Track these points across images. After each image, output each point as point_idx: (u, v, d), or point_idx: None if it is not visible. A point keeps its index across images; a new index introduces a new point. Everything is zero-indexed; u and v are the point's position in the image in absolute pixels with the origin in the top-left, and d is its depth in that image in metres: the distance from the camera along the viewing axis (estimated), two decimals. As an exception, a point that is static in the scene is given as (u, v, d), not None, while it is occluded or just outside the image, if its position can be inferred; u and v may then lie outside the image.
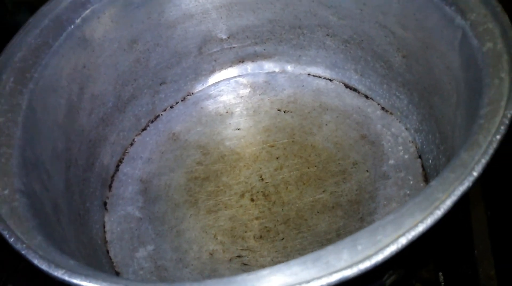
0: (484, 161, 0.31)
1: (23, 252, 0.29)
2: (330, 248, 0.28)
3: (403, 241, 0.27)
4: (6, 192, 0.35)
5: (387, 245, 0.27)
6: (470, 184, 0.29)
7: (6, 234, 0.30)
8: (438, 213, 0.28)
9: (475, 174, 0.30)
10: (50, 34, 0.47)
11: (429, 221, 0.28)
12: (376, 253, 0.27)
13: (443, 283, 0.53)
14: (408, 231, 0.28)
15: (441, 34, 0.44)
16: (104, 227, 0.53)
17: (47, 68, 0.46)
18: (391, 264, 0.38)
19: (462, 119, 0.41)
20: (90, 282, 0.27)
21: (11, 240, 0.30)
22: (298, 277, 0.27)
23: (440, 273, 0.53)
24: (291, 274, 0.27)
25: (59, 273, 0.28)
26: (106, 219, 0.54)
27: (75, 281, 0.27)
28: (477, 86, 0.38)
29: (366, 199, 0.52)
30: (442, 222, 0.30)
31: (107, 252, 0.51)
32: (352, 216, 0.51)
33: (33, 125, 0.42)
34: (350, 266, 0.27)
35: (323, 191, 0.53)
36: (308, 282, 0.26)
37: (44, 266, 0.28)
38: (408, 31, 0.50)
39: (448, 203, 0.29)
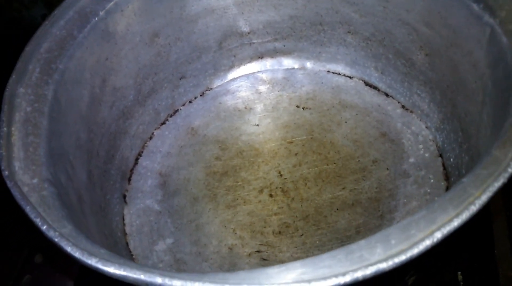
0: (518, 158, 0.30)
1: (56, 240, 0.29)
2: (362, 242, 0.28)
3: (438, 235, 0.27)
4: (35, 180, 0.35)
5: (422, 240, 0.27)
6: (505, 180, 0.29)
7: (38, 222, 0.30)
8: (473, 208, 0.28)
9: (510, 170, 0.30)
10: (75, 26, 0.47)
11: (464, 216, 0.28)
12: (411, 247, 0.27)
13: (462, 283, 0.53)
14: (443, 225, 0.28)
15: (468, 32, 0.44)
16: (123, 219, 0.53)
17: (71, 59, 0.46)
18: (415, 263, 0.38)
19: (488, 118, 0.41)
20: (124, 270, 0.27)
21: (44, 227, 0.30)
22: (331, 270, 0.27)
23: (459, 273, 0.53)
24: (324, 267, 0.27)
25: (92, 261, 0.28)
26: (125, 212, 0.54)
27: (108, 269, 0.27)
28: (506, 84, 0.37)
29: (386, 197, 0.52)
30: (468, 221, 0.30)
31: (127, 244, 0.51)
32: (371, 213, 0.51)
33: (59, 116, 0.42)
34: (385, 260, 0.27)
35: (343, 188, 0.53)
36: (343, 274, 0.26)
37: (77, 254, 0.28)
38: (432, 29, 0.50)
39: (484, 198, 0.29)
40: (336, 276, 0.26)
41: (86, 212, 0.43)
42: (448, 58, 0.49)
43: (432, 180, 0.52)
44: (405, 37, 0.54)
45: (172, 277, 0.26)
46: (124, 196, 0.55)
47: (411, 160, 0.54)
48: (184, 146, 0.59)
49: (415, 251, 0.27)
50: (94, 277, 0.33)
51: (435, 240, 0.27)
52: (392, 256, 0.27)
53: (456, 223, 0.28)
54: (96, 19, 0.49)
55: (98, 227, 0.45)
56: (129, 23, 0.52)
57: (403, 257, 0.27)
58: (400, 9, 0.52)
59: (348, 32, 0.59)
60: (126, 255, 0.49)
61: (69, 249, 0.29)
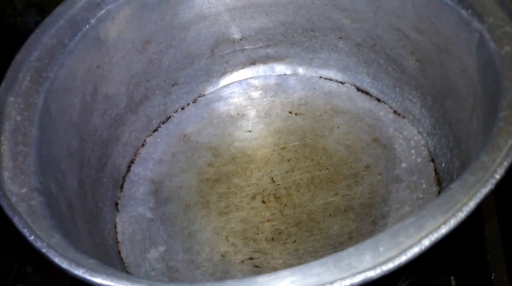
0: (506, 164, 0.31)
1: (43, 251, 0.29)
2: (351, 250, 0.28)
3: (426, 242, 0.27)
4: (23, 190, 0.35)
5: (410, 247, 0.27)
6: (493, 186, 0.29)
7: (26, 232, 0.30)
8: (461, 215, 0.28)
9: (497, 176, 0.30)
10: (65, 34, 0.47)
11: (452, 223, 0.28)
12: (399, 254, 0.27)
13: (455, 288, 0.53)
14: (431, 232, 0.28)
15: (457, 38, 0.44)
16: (115, 227, 0.53)
17: (62, 67, 0.46)
18: (408, 269, 0.38)
19: (478, 123, 0.41)
20: (111, 281, 0.27)
21: (31, 238, 0.30)
22: (320, 278, 0.27)
23: (452, 278, 0.53)
24: (313, 275, 0.27)
25: (80, 272, 0.28)
26: (117, 219, 0.53)
27: (95, 280, 0.27)
28: (495, 89, 0.38)
29: (378, 202, 0.52)
30: (459, 226, 0.30)
31: (119, 252, 0.51)
32: (364, 219, 0.51)
33: (49, 124, 0.42)
34: (373, 268, 0.27)
35: (335, 194, 0.53)
36: (331, 283, 0.26)
37: (64, 265, 0.28)
38: (423, 35, 0.50)
39: (471, 205, 0.29)
40: (324, 284, 0.26)
41: (77, 220, 0.43)
42: (439, 64, 0.49)
43: (424, 185, 0.52)
44: (396, 42, 0.54)
45: (159, 287, 0.26)
46: (116, 204, 0.55)
47: (403, 165, 0.54)
48: (177, 153, 0.59)
49: (403, 258, 0.27)
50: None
51: (423, 247, 0.27)
52: (380, 264, 0.27)
53: (444, 230, 0.28)
54: (87, 27, 0.49)
55: (89, 236, 0.45)
56: (120, 31, 0.52)
57: (391, 265, 0.27)
58: (391, 15, 0.52)
59: (339, 38, 0.59)
60: (118, 263, 0.49)
61: (56, 259, 0.29)
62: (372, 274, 0.27)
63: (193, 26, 0.58)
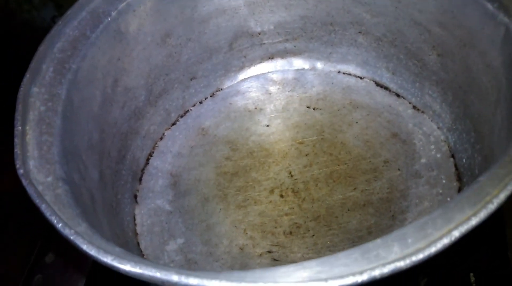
0: (535, 156, 0.30)
1: (71, 238, 0.29)
2: (378, 241, 0.28)
3: (456, 234, 0.27)
4: (49, 179, 0.35)
5: (440, 238, 0.27)
6: (523, 179, 0.29)
7: (54, 220, 0.30)
8: (492, 207, 0.28)
9: (528, 169, 0.30)
10: (87, 26, 0.47)
11: (482, 215, 0.28)
12: (428, 245, 0.27)
13: (474, 285, 0.52)
14: (461, 224, 0.27)
15: (482, 32, 0.44)
16: (134, 219, 0.53)
17: (84, 59, 0.46)
18: (428, 264, 0.38)
19: (503, 118, 0.41)
20: (140, 268, 0.27)
21: (59, 225, 0.30)
22: (348, 268, 0.27)
23: (472, 274, 0.53)
24: (341, 265, 0.27)
25: (108, 259, 0.28)
26: (136, 211, 0.54)
27: (124, 267, 0.27)
28: (520, 83, 0.37)
29: (397, 197, 0.52)
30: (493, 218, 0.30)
31: (138, 244, 0.51)
32: (383, 214, 0.51)
33: (72, 115, 0.43)
34: (402, 258, 0.26)
35: (354, 189, 0.53)
36: (361, 273, 0.26)
37: (93, 252, 0.28)
38: (445, 29, 0.49)
39: (502, 197, 0.28)
40: (353, 274, 0.26)
41: (98, 211, 0.43)
42: (461, 58, 0.49)
43: (444, 181, 0.52)
44: (417, 37, 0.53)
45: (188, 275, 0.26)
46: (135, 196, 0.55)
47: (423, 160, 0.54)
48: (195, 147, 0.59)
49: (433, 249, 0.27)
50: (106, 273, 0.33)
51: (453, 238, 0.27)
52: (409, 255, 0.27)
53: (474, 221, 0.28)
54: (109, 19, 0.49)
55: (110, 227, 0.45)
56: (141, 24, 0.52)
57: (420, 256, 0.27)
58: (413, 9, 0.52)
59: (359, 32, 0.59)
60: (137, 254, 0.49)
61: (85, 247, 0.29)
62: (402, 264, 0.26)
63: (212, 20, 0.58)
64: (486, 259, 0.53)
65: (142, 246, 0.51)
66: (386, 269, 0.26)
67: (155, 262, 0.28)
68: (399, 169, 0.54)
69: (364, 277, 0.26)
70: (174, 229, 0.53)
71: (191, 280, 0.26)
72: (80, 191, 0.39)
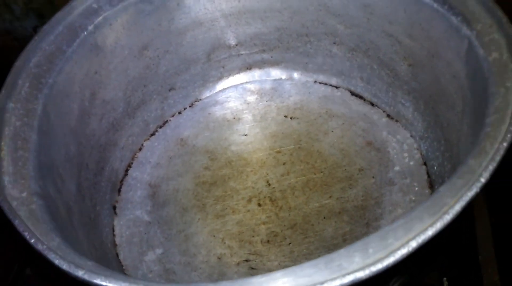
0: (491, 167, 0.31)
1: (44, 253, 0.30)
2: (341, 251, 0.29)
3: (413, 244, 0.28)
4: (24, 194, 0.35)
5: (398, 248, 0.28)
6: (478, 189, 0.30)
7: (27, 236, 0.31)
8: (447, 217, 0.29)
9: (482, 180, 0.31)
10: (64, 40, 0.48)
11: (438, 225, 0.29)
12: (387, 256, 0.28)
13: (447, 289, 0.54)
14: (418, 234, 0.29)
15: (448, 44, 0.45)
16: (113, 230, 0.54)
17: (61, 73, 0.47)
18: (398, 269, 0.39)
19: (468, 127, 0.42)
20: (110, 282, 0.28)
21: (32, 241, 0.31)
22: (311, 278, 0.28)
23: (445, 279, 0.54)
24: (304, 276, 0.28)
25: (79, 273, 0.28)
26: (115, 222, 0.54)
27: (95, 281, 0.28)
28: (483, 95, 0.39)
29: (372, 205, 0.53)
30: (450, 227, 0.31)
31: (117, 255, 0.52)
32: (358, 221, 0.52)
33: (48, 130, 0.43)
34: (362, 268, 0.28)
35: (329, 197, 0.54)
36: (322, 283, 0.27)
37: (65, 267, 0.29)
38: (415, 40, 0.51)
39: (457, 208, 0.29)
40: (315, 285, 0.27)
41: (75, 223, 0.43)
42: (430, 69, 0.50)
43: (417, 188, 0.53)
44: (389, 48, 0.55)
45: (156, 288, 0.27)
46: (114, 207, 0.56)
47: (396, 168, 0.55)
48: (174, 157, 0.60)
49: (391, 259, 0.28)
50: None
51: (410, 249, 0.28)
52: (369, 265, 0.28)
53: (430, 232, 0.29)
54: (85, 33, 0.50)
55: (87, 239, 0.46)
56: (117, 37, 0.53)
57: (379, 266, 0.28)
58: (383, 21, 0.53)
59: (333, 43, 0.60)
60: (116, 266, 0.50)
61: (56, 261, 0.29)
62: (361, 274, 0.27)
63: (190, 32, 0.59)
64: (458, 264, 0.55)
65: (121, 257, 0.52)
66: (346, 280, 0.27)
67: (126, 276, 0.28)
68: (373, 177, 0.55)
69: (325, 288, 0.27)
70: (153, 239, 0.53)
71: (158, 293, 0.26)
72: (56, 205, 0.39)
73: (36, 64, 0.45)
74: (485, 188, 0.56)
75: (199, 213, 0.55)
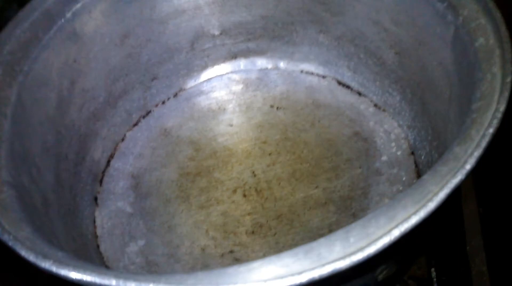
0: (476, 154, 0.31)
1: (10, 244, 0.29)
2: (322, 240, 0.28)
3: (396, 233, 0.27)
4: (-7, 184, 0.34)
5: (380, 237, 0.27)
6: (463, 176, 0.29)
7: (-7, 226, 0.30)
8: (431, 205, 0.28)
9: (467, 167, 0.30)
10: (40, 27, 0.47)
11: (422, 213, 0.28)
12: (368, 245, 0.27)
13: (435, 279, 0.53)
14: (401, 223, 0.28)
15: (434, 31, 0.44)
16: (94, 222, 0.52)
17: (36, 61, 0.45)
18: (383, 258, 0.38)
19: (455, 115, 0.42)
20: (78, 272, 0.27)
21: (-2, 231, 0.30)
22: (289, 268, 0.27)
23: (432, 269, 0.53)
24: (283, 266, 0.27)
25: (46, 264, 0.27)
26: (96, 214, 0.53)
27: (62, 272, 0.27)
28: (469, 81, 0.38)
29: (358, 195, 0.52)
30: (435, 215, 0.30)
31: (98, 246, 0.50)
32: (344, 212, 0.51)
33: (23, 118, 0.42)
34: (342, 258, 0.27)
35: (316, 187, 0.53)
36: (300, 273, 0.26)
37: (31, 257, 0.28)
38: (401, 28, 0.50)
39: (441, 195, 0.29)
40: (292, 274, 0.26)
41: (52, 214, 0.42)
42: (417, 57, 0.49)
43: (404, 178, 0.52)
44: (376, 36, 0.54)
45: (126, 278, 0.26)
46: (96, 198, 0.54)
47: (384, 158, 0.54)
48: (157, 148, 0.59)
49: (373, 249, 0.27)
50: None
51: (392, 237, 0.27)
52: (349, 254, 0.27)
53: (414, 220, 0.28)
54: (63, 20, 0.48)
55: (65, 230, 0.44)
56: (97, 25, 0.52)
57: (360, 255, 0.27)
58: (370, 8, 0.52)
59: (320, 31, 0.59)
60: (96, 257, 0.49)
61: (23, 252, 0.28)
62: (342, 264, 0.26)
63: (172, 20, 0.58)
64: (446, 254, 0.54)
65: (102, 249, 0.51)
66: (325, 270, 0.26)
67: (97, 266, 0.27)
68: (360, 167, 0.54)
69: (302, 279, 0.26)
70: (135, 231, 0.52)
71: (129, 284, 0.25)
72: (30, 195, 0.38)
73: (10, 51, 0.44)
74: (474, 177, 0.55)
75: (183, 204, 0.54)
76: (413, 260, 0.53)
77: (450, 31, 0.41)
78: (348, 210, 0.51)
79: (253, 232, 0.51)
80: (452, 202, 0.54)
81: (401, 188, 0.52)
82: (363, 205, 0.51)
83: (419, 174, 0.52)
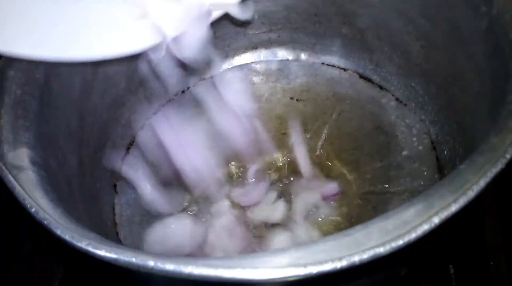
0: (515, 144, 0.30)
1: (45, 222, 0.29)
2: (358, 227, 0.28)
3: (435, 220, 0.27)
4: (24, 163, 0.34)
5: (420, 224, 0.27)
6: (503, 165, 0.29)
7: (27, 204, 0.30)
8: (471, 193, 0.28)
9: (508, 156, 0.29)
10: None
11: (462, 201, 0.28)
12: (408, 231, 0.27)
13: (453, 276, 0.53)
14: (440, 210, 0.27)
15: (465, 23, 0.44)
16: (113, 209, 0.52)
17: (63, 44, 0.45)
18: (408, 254, 0.38)
19: (484, 109, 0.41)
20: (115, 253, 0.26)
21: (33, 210, 0.29)
22: (328, 254, 0.26)
23: (451, 266, 0.53)
24: (320, 252, 0.27)
25: (83, 244, 0.27)
26: (116, 201, 0.53)
27: (99, 252, 0.27)
28: (502, 74, 0.37)
29: (379, 189, 0.52)
30: (473, 206, 0.30)
31: (117, 234, 0.50)
32: (365, 205, 0.51)
33: (50, 100, 0.42)
34: (382, 244, 0.26)
35: (335, 180, 0.53)
36: (340, 259, 0.26)
37: (67, 237, 0.28)
38: (429, 20, 0.49)
39: (481, 184, 0.28)
40: (332, 260, 0.26)
41: (76, 199, 0.42)
42: (445, 50, 0.49)
43: (425, 173, 0.52)
44: (401, 28, 0.53)
45: (164, 260, 0.25)
46: (115, 186, 0.54)
47: (405, 152, 0.54)
48: (176, 137, 0.59)
49: (413, 235, 0.27)
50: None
51: (433, 225, 0.27)
52: (389, 241, 0.26)
53: (453, 208, 0.28)
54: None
55: (87, 215, 0.44)
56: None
57: (400, 242, 0.26)
58: (397, 0, 0.51)
59: (343, 23, 0.58)
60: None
61: (58, 231, 0.28)
62: (381, 250, 0.26)
63: (196, 8, 0.57)
64: (465, 251, 0.54)
65: (121, 236, 0.50)
66: (366, 255, 0.26)
67: (131, 248, 0.27)
68: (380, 161, 0.54)
69: (343, 263, 0.26)
70: (154, 219, 0.52)
71: (167, 266, 0.25)
72: (57, 178, 0.38)
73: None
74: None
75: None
76: (434, 258, 0.52)
77: (483, 23, 0.41)
78: (368, 204, 0.51)
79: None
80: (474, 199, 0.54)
81: (422, 183, 0.51)
82: (384, 199, 0.51)
83: (440, 169, 0.52)
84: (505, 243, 0.52)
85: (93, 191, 0.49)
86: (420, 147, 0.54)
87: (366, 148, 0.55)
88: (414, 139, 0.55)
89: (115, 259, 0.26)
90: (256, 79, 0.63)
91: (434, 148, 0.53)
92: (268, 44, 0.63)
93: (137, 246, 0.50)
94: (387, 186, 0.52)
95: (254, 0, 0.57)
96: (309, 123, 0.58)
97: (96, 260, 0.27)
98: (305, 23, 0.60)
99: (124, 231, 0.51)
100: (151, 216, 0.52)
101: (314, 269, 0.25)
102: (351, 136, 0.56)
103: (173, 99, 0.62)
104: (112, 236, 0.49)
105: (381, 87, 0.59)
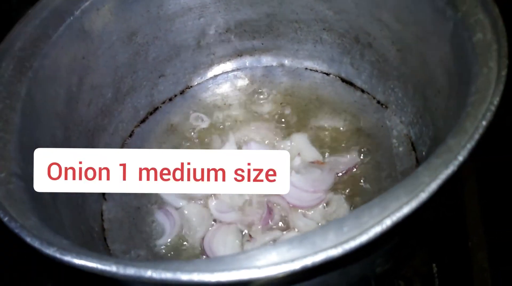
0: (469, 146, 0.31)
1: (16, 231, 0.30)
2: (316, 230, 0.29)
3: (387, 222, 0.28)
4: (2, 175, 0.35)
5: (372, 226, 0.28)
6: (455, 168, 0.30)
7: (0, 214, 0.31)
8: (423, 196, 0.29)
9: (460, 158, 0.30)
10: (49, 25, 0.48)
11: (414, 204, 0.29)
12: (360, 233, 0.28)
13: (436, 274, 0.53)
14: (393, 212, 0.28)
15: (434, 27, 0.45)
16: (102, 216, 0.54)
17: (46, 58, 0.46)
18: (377, 248, 0.38)
19: (453, 111, 0.42)
20: (80, 259, 0.28)
21: (5, 219, 0.31)
22: (284, 256, 0.28)
23: (434, 265, 0.54)
24: (278, 254, 0.28)
25: (50, 251, 0.28)
26: (104, 208, 0.54)
27: (66, 258, 0.28)
28: (467, 76, 0.38)
29: (360, 190, 0.53)
30: (428, 207, 0.31)
31: (105, 239, 0.52)
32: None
33: (32, 113, 0.43)
34: (335, 246, 0.27)
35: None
36: (292, 261, 0.27)
37: (36, 244, 0.29)
38: (403, 24, 0.50)
39: (434, 186, 0.29)
40: (285, 262, 0.27)
41: (60, 207, 0.43)
42: (418, 53, 0.50)
43: (406, 174, 0.53)
44: (378, 33, 0.54)
45: (126, 265, 0.27)
46: (103, 193, 0.55)
47: (386, 154, 0.55)
48: (164, 143, 0.60)
49: (365, 238, 0.28)
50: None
51: (384, 227, 0.28)
52: (342, 243, 0.28)
53: (405, 210, 0.29)
54: (72, 18, 0.50)
55: (73, 223, 0.46)
56: (105, 23, 0.53)
57: (352, 244, 0.27)
58: (372, 6, 0.53)
59: (323, 29, 0.59)
60: (103, 250, 0.50)
61: (28, 239, 0.29)
62: (334, 252, 0.27)
63: (179, 18, 0.59)
64: (448, 250, 0.54)
65: (108, 242, 0.52)
66: (318, 258, 0.27)
67: (98, 254, 0.28)
68: (362, 163, 0.55)
69: (296, 266, 0.27)
70: (142, 225, 0.53)
71: (128, 270, 0.26)
72: (38, 188, 0.39)
73: (20, 48, 0.45)
74: (476, 173, 0.55)
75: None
76: (411, 254, 0.53)
77: (449, 26, 0.42)
78: (348, 206, 0.52)
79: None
80: (453, 196, 0.54)
81: (402, 183, 0.52)
82: (364, 200, 0.52)
83: (420, 170, 0.53)
84: (487, 241, 0.53)
85: (80, 199, 0.50)
86: (401, 149, 0.55)
87: (348, 150, 0.56)
88: (395, 141, 0.56)
89: (82, 265, 0.28)
90: (241, 85, 0.64)
91: (413, 149, 0.54)
92: (252, 51, 0.64)
93: (125, 251, 0.51)
94: (368, 187, 0.53)
95: (236, 8, 0.59)
96: (294, 128, 0.59)
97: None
98: (287, 29, 0.62)
99: (112, 236, 0.52)
100: (139, 222, 0.53)
101: (268, 271, 0.27)
102: (334, 138, 0.57)
103: (160, 107, 0.63)
104: (100, 242, 0.51)
105: (362, 91, 0.60)
